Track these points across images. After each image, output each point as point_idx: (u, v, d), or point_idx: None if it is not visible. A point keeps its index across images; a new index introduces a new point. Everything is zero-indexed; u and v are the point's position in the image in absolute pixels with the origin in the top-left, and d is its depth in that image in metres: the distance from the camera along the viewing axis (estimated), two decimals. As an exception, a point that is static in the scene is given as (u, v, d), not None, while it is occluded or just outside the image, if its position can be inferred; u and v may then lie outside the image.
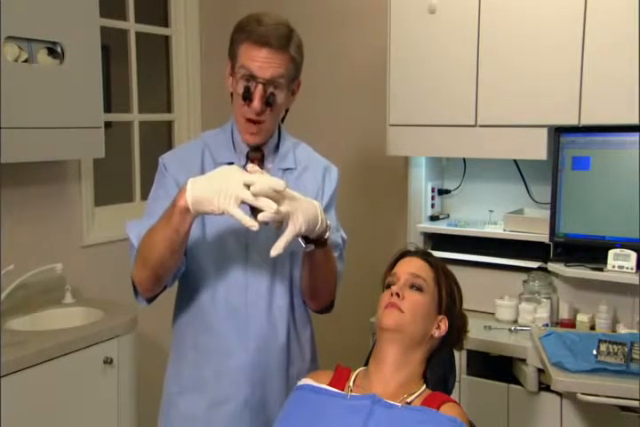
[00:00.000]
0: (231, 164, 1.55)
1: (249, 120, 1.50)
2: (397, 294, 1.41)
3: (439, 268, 1.49)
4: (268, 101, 1.47)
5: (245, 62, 1.46)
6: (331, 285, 1.60)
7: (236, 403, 1.53)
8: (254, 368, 1.53)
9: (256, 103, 1.46)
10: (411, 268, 1.46)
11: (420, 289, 1.43)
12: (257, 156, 1.58)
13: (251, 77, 1.46)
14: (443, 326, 1.44)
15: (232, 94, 1.56)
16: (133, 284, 1.52)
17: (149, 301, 1.56)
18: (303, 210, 1.35)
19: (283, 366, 1.57)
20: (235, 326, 1.52)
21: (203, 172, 1.55)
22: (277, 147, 1.62)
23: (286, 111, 1.63)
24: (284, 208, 1.32)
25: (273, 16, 1.49)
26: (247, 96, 1.46)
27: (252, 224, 1.29)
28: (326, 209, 1.62)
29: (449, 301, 1.46)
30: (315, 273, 1.53)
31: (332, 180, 1.65)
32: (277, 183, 1.30)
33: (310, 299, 1.62)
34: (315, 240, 1.43)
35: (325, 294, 1.61)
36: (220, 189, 1.30)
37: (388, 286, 1.46)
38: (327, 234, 1.43)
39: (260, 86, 1.45)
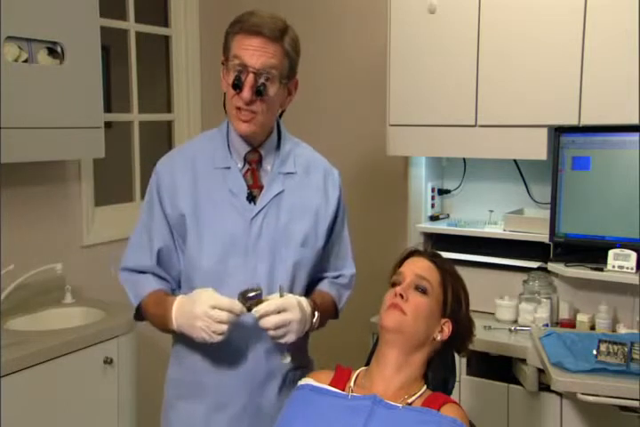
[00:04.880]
0: (228, 168, 1.55)
1: (240, 108, 1.48)
2: (401, 295, 1.40)
3: (446, 270, 1.47)
4: (259, 90, 1.45)
5: (237, 52, 1.45)
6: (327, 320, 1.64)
7: (235, 409, 1.53)
8: (252, 375, 1.53)
9: (246, 91, 1.44)
10: (417, 268, 1.45)
11: (424, 291, 1.42)
12: (254, 158, 1.56)
13: (242, 67, 1.45)
14: (446, 330, 1.43)
15: (225, 95, 1.55)
16: (137, 313, 1.61)
17: None
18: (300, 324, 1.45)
19: (280, 372, 1.56)
20: (233, 333, 1.50)
21: (196, 180, 1.54)
22: (277, 147, 1.60)
23: (282, 111, 1.62)
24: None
25: (268, 11, 1.49)
26: (237, 85, 1.45)
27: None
28: (338, 230, 1.63)
29: (454, 304, 1.45)
30: None
31: (335, 187, 1.63)
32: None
33: None
34: None
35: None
36: (194, 326, 1.41)
37: (394, 285, 1.45)
38: (314, 327, 1.53)
39: (250, 75, 1.44)
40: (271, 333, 1.43)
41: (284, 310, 1.42)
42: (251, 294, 1.42)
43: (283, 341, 1.44)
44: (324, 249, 1.62)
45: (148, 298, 1.56)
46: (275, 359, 1.54)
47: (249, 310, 1.42)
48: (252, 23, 1.44)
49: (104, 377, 2.31)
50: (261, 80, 1.45)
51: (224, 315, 1.39)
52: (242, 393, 1.53)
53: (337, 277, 1.68)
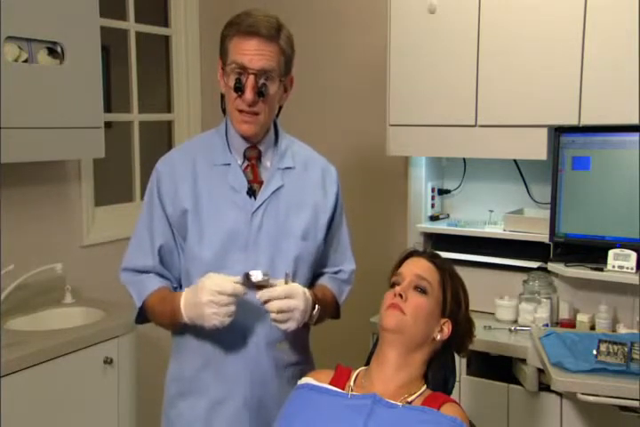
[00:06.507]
0: (228, 165, 1.56)
1: (243, 111, 1.51)
2: (400, 295, 1.41)
3: (446, 270, 1.47)
4: (261, 91, 1.47)
5: (236, 57, 1.46)
6: (328, 317, 1.65)
7: (236, 404, 1.54)
8: (253, 369, 1.53)
9: (248, 94, 1.46)
10: (416, 269, 1.45)
11: (423, 291, 1.42)
12: (253, 154, 1.58)
13: (242, 70, 1.46)
14: (446, 330, 1.43)
15: (222, 96, 1.57)
16: (139, 315, 1.60)
17: None
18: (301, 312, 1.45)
19: (280, 367, 1.57)
20: (232, 329, 1.51)
21: (196, 177, 1.56)
22: (275, 144, 1.62)
23: (280, 108, 1.63)
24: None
25: (262, 10, 1.50)
26: (239, 87, 1.46)
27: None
28: (337, 224, 1.65)
29: (454, 304, 1.45)
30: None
31: (332, 182, 1.65)
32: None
33: None
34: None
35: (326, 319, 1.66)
36: (203, 315, 1.41)
37: (393, 286, 1.45)
38: (312, 320, 1.52)
39: (251, 77, 1.46)
40: (273, 315, 1.43)
41: (290, 296, 1.43)
42: (254, 279, 1.42)
43: (284, 327, 1.45)
44: (324, 244, 1.63)
45: (151, 297, 1.56)
46: (275, 353, 1.55)
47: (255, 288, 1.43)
48: (247, 24, 1.45)
49: (104, 377, 2.31)
50: (262, 81, 1.47)
51: (230, 299, 1.40)
52: (242, 387, 1.53)
53: (336, 272, 1.70)
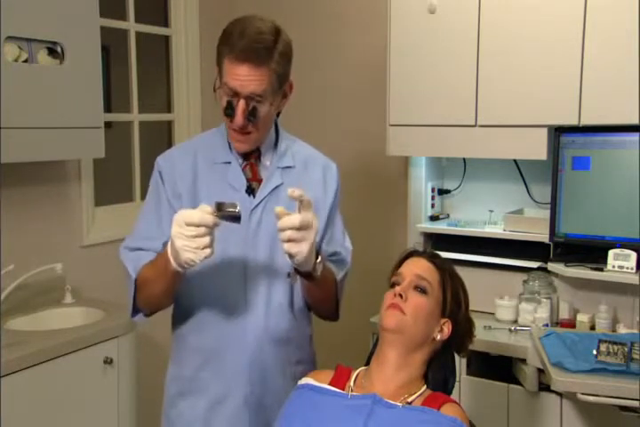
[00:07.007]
0: (228, 163, 1.57)
1: (235, 130, 1.52)
2: (400, 295, 1.41)
3: (445, 270, 1.48)
4: (251, 116, 1.47)
5: (228, 80, 1.46)
6: (329, 302, 1.62)
7: (236, 403, 1.54)
8: (253, 368, 1.53)
9: (238, 119, 1.47)
10: (416, 269, 1.45)
11: (423, 291, 1.42)
12: (254, 154, 1.59)
13: (233, 93, 1.46)
14: (446, 330, 1.43)
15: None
16: (133, 306, 1.55)
17: (148, 315, 1.60)
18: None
19: (281, 366, 1.57)
20: (233, 326, 1.52)
21: (195, 175, 1.56)
22: (275, 144, 1.62)
23: (278, 113, 1.62)
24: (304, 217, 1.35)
25: (257, 22, 1.46)
26: (230, 113, 1.47)
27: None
28: (331, 217, 1.64)
29: (454, 304, 1.45)
30: (310, 293, 1.56)
31: (333, 179, 1.65)
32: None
33: (313, 310, 1.65)
34: (302, 274, 1.45)
35: (325, 309, 1.64)
36: (176, 249, 1.33)
37: (393, 286, 1.45)
38: (317, 273, 1.44)
39: (242, 102, 1.46)
40: (287, 234, 1.35)
41: (306, 227, 1.36)
42: (229, 209, 1.35)
43: (294, 249, 1.36)
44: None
45: (145, 267, 1.51)
46: (276, 351, 1.55)
47: (234, 219, 1.35)
48: (240, 48, 1.43)
49: (104, 377, 2.31)
50: (252, 104, 1.46)
51: (199, 230, 1.32)
52: (242, 384, 1.53)
53: (331, 255, 1.66)
